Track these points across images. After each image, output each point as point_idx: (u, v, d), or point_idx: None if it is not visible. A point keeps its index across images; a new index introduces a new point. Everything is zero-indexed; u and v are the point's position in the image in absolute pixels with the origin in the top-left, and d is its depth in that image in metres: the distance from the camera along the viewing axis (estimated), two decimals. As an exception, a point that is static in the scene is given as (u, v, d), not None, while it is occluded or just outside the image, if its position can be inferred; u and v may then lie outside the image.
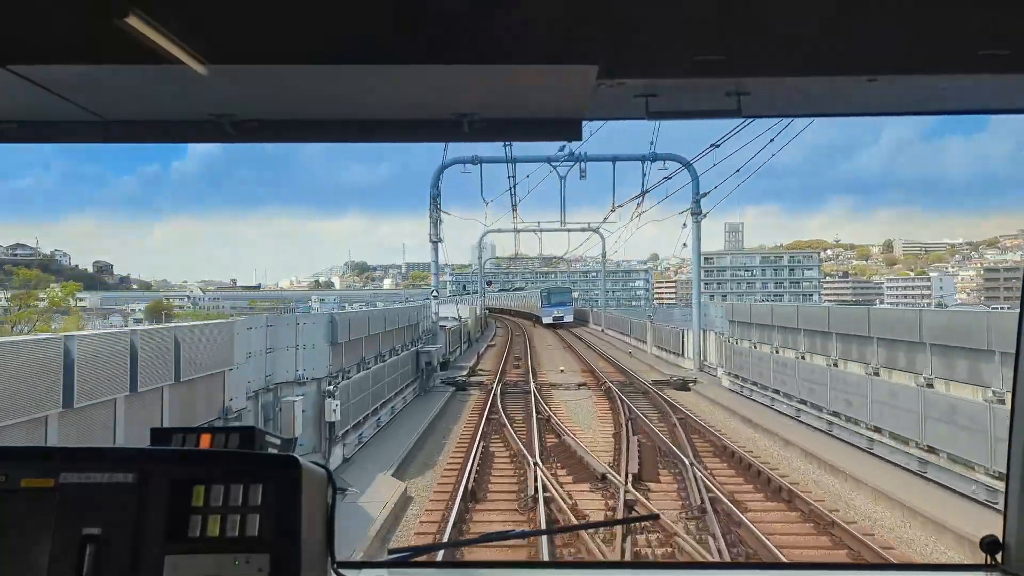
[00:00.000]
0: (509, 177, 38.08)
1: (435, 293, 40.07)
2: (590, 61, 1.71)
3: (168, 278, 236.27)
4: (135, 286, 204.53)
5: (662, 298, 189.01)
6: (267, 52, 1.69)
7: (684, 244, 38.53)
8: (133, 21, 1.47)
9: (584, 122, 2.10)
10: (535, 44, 1.70)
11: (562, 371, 37.17)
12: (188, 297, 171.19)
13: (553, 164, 37.12)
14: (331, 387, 17.81)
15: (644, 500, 13.58)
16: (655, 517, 3.19)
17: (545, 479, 14.93)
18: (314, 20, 1.60)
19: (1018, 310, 2.27)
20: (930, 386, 16.66)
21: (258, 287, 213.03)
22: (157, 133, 2.08)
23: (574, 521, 12.58)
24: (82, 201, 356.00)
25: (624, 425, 21.26)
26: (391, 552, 2.32)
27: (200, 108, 1.98)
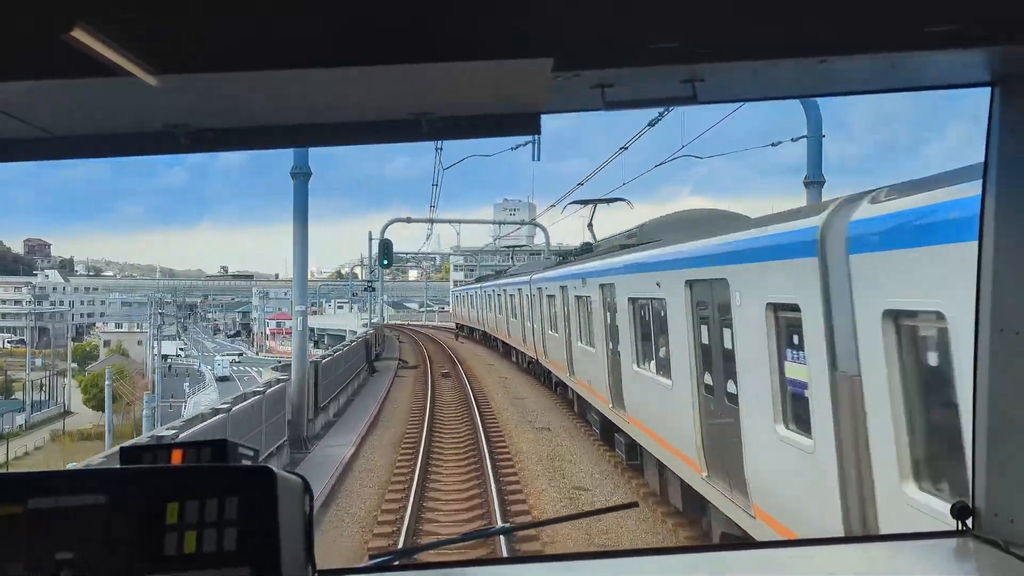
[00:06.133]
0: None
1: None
2: (545, 54, 1.69)
3: (203, 268, 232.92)
4: (82, 271, 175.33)
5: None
6: (218, 60, 1.66)
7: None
8: (78, 35, 1.45)
9: (542, 115, 2.09)
10: (489, 39, 1.68)
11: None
12: (29, 285, 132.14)
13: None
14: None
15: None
16: (635, 505, 3.16)
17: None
18: (263, 26, 1.58)
19: (975, 275, 2.30)
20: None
21: (251, 277, 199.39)
22: (109, 147, 2.07)
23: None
24: (133, 195, 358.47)
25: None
26: (372, 557, 2.31)
27: (153, 120, 1.97)
